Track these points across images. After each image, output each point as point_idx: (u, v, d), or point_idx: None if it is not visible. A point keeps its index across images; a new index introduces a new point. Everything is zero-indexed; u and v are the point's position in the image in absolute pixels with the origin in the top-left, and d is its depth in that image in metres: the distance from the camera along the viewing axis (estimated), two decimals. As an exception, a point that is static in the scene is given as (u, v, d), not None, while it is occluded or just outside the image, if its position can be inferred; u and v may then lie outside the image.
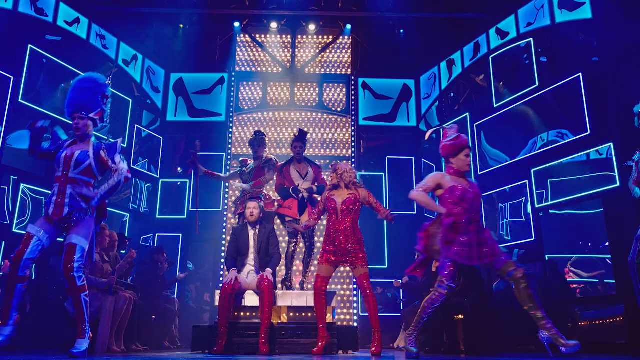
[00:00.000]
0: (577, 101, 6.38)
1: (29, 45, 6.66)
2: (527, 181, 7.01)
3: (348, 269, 8.02)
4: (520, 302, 3.69)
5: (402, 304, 7.84)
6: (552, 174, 6.75)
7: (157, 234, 8.52)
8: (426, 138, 4.81)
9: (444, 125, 4.59)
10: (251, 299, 5.11)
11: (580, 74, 6.43)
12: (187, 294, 8.46)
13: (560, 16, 6.84)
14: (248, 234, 5.08)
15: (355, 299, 7.79)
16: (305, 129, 8.57)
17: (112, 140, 3.94)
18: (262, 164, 5.76)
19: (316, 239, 5.81)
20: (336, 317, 6.07)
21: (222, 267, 7.89)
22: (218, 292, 5.34)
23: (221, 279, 7.83)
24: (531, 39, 7.19)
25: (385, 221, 8.38)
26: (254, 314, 5.01)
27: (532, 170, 6.95)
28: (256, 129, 8.81)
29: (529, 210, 6.98)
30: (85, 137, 3.83)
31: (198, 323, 7.50)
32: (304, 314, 5.10)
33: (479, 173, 7.78)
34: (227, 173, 6.34)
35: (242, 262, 5.03)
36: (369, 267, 8.17)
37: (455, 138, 4.05)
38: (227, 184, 6.16)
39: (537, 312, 3.65)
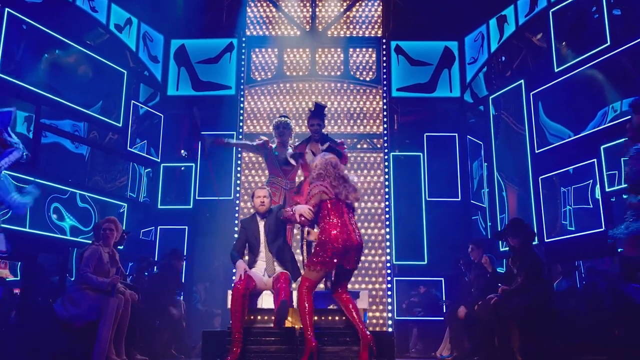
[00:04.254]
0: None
1: (6, 9, 6.68)
2: (595, 160, 6.86)
3: (380, 264, 8.01)
4: None
5: (444, 306, 7.78)
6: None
7: (159, 227, 8.59)
8: None
9: None
10: (268, 300, 5.11)
11: (663, 28, 6.22)
12: (194, 295, 8.54)
13: (637, -41, 6.60)
14: (258, 225, 5.08)
15: (389, 299, 7.75)
16: (329, 103, 8.65)
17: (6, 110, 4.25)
18: (291, 155, 5.83)
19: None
20: (367, 320, 6.04)
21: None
22: (230, 292, 5.36)
23: (233, 277, 7.87)
24: (601, -13, 6.96)
25: (423, 209, 8.48)
26: (272, 317, 5.01)
27: (602, 147, 6.78)
28: (271, 103, 8.90)
29: (598, 195, 6.83)
30: None
31: (207, 328, 7.58)
32: (330, 317, 5.06)
33: (536, 151, 7.65)
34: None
35: (254, 258, 5.05)
36: (407, 262, 8.17)
37: None
38: (239, 149, 6.19)
39: None
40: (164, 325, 6.69)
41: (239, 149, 6.27)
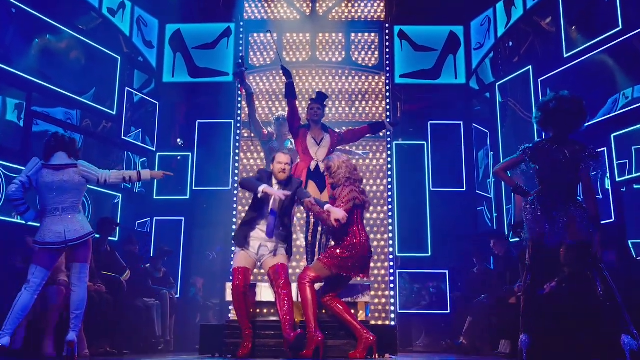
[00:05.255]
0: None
1: (-6, -8, 6.65)
2: (605, 149, 6.82)
3: (382, 256, 8.00)
4: None
5: (449, 299, 7.80)
6: (638, 139, 6.56)
7: (154, 218, 8.59)
8: None
9: None
10: (267, 293, 5.12)
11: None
12: (190, 288, 8.55)
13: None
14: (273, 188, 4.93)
15: (392, 293, 7.75)
16: (330, 90, 8.60)
17: None
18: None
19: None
20: (369, 314, 6.04)
21: (232, 256, 7.91)
22: (230, 284, 5.36)
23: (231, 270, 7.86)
24: (613, -32, 6.90)
25: (427, 200, 8.47)
26: (272, 310, 5.02)
27: (612, 136, 6.77)
28: (270, 90, 8.84)
29: (608, 185, 6.83)
30: None
31: (200, 321, 7.64)
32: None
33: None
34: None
35: (252, 226, 4.92)
36: (410, 254, 8.18)
37: None
38: (252, 125, 6.27)
39: None
40: (128, 318, 6.57)
41: (250, 117, 6.31)
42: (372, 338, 4.59)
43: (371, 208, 8.10)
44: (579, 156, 4.31)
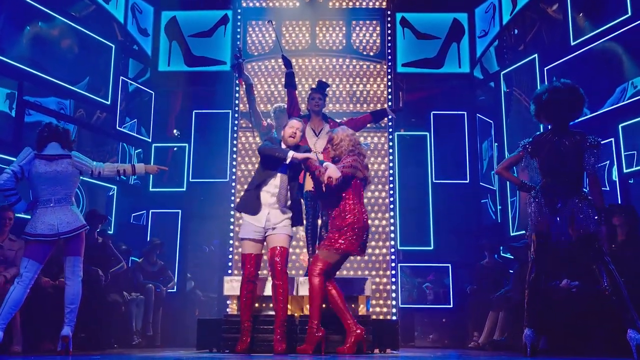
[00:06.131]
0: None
1: (-15, -22, 6.62)
2: (612, 139, 6.84)
3: (384, 249, 8.00)
4: None
5: (450, 294, 7.83)
6: (647, 130, 6.57)
7: (150, 211, 8.59)
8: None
9: None
10: (269, 287, 5.12)
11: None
12: (189, 282, 8.55)
13: None
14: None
15: (394, 287, 7.76)
16: (330, 79, 8.57)
17: None
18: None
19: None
20: (370, 308, 6.05)
21: (230, 249, 7.93)
22: (228, 278, 5.37)
23: (230, 264, 7.88)
24: (622, -48, 6.87)
25: (429, 192, 8.47)
26: (263, 305, 5.04)
27: (620, 126, 6.76)
28: (269, 79, 8.81)
29: (615, 176, 6.83)
30: None
31: (199, 316, 7.64)
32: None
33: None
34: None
35: (267, 178, 4.84)
36: (412, 248, 8.20)
37: None
38: (252, 116, 6.28)
39: None
40: (99, 313, 6.40)
41: (250, 108, 6.31)
42: (359, 331, 4.56)
43: (372, 201, 8.22)
44: (581, 146, 4.32)
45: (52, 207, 4.62)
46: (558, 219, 4.27)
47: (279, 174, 4.85)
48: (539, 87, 4.90)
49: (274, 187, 4.83)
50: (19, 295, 4.48)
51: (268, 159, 4.86)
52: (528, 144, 4.51)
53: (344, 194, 4.65)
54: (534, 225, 4.38)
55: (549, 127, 4.56)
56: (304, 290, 5.11)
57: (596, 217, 4.23)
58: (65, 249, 4.71)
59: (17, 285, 4.50)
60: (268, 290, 5.10)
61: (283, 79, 8.57)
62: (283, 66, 5.97)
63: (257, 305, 5.16)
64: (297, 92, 6.02)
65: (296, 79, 6.13)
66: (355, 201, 4.67)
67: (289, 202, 4.92)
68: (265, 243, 4.91)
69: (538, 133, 4.63)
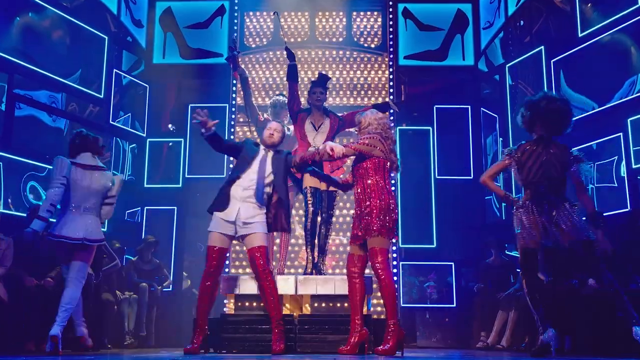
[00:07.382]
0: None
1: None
2: (621, 134, 6.87)
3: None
4: None
5: (454, 293, 7.84)
6: (656, 124, 6.59)
7: (145, 207, 8.62)
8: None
9: None
10: (252, 286, 5.14)
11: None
12: (183, 281, 8.57)
13: None
14: (258, 152, 4.89)
15: (395, 286, 7.76)
16: (330, 72, 8.57)
17: None
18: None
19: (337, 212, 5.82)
20: (371, 308, 6.05)
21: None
22: (225, 277, 5.40)
23: (227, 262, 7.87)
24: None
25: (432, 189, 8.47)
26: (261, 304, 5.05)
27: (629, 120, 6.77)
28: (267, 72, 8.81)
29: (623, 172, 6.85)
30: None
31: (185, 315, 7.68)
32: (331, 304, 5.11)
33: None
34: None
35: (233, 180, 4.81)
36: (414, 245, 8.21)
37: None
38: (248, 110, 6.27)
39: None
40: (93, 313, 6.25)
41: (246, 102, 6.31)
42: (364, 332, 4.56)
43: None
44: (565, 158, 4.47)
45: (80, 214, 4.92)
46: (550, 225, 4.32)
47: (256, 167, 4.80)
48: (530, 96, 5.00)
49: (248, 181, 4.77)
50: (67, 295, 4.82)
51: (238, 154, 4.93)
52: (514, 152, 4.60)
53: (378, 182, 4.54)
54: (524, 237, 4.42)
55: (534, 136, 4.62)
56: (303, 289, 5.13)
57: (587, 224, 4.38)
58: (76, 254, 4.93)
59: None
60: (248, 289, 5.18)
61: (281, 71, 8.61)
62: (286, 57, 5.95)
63: (254, 304, 5.16)
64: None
65: (295, 72, 6.11)
66: (380, 183, 4.56)
67: (273, 200, 4.83)
68: (234, 240, 4.95)
69: (523, 142, 4.69)
